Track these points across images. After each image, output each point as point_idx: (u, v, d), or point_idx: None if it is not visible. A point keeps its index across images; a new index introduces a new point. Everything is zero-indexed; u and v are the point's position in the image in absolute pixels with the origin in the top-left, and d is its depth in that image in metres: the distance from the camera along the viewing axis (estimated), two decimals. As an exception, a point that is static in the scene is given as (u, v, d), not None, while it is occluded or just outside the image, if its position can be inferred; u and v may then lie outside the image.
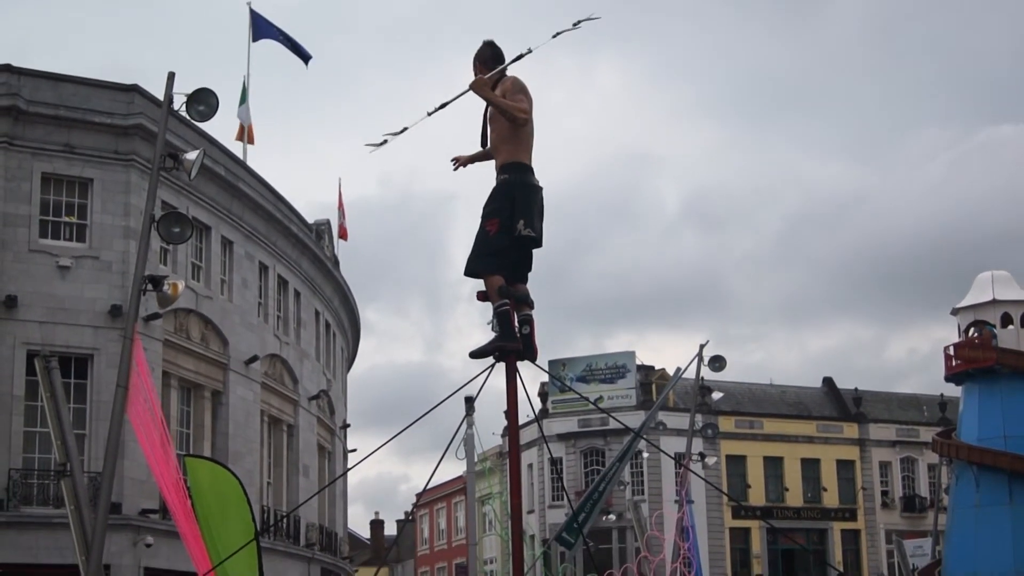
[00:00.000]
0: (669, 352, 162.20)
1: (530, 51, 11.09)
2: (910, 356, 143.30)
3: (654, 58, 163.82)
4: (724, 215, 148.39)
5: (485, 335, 10.81)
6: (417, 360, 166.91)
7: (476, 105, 11.31)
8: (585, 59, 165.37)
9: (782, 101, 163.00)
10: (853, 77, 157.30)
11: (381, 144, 11.56)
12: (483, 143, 11.35)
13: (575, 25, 11.20)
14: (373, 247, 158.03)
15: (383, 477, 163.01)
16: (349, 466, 53.00)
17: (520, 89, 10.92)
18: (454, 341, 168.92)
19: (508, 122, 10.85)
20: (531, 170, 10.98)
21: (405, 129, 11.44)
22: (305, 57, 48.01)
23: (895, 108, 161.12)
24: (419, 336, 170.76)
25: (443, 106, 11.23)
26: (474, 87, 10.91)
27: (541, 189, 11.04)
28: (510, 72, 11.15)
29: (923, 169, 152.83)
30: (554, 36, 11.20)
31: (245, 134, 45.39)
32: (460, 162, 11.78)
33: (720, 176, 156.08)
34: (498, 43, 11.41)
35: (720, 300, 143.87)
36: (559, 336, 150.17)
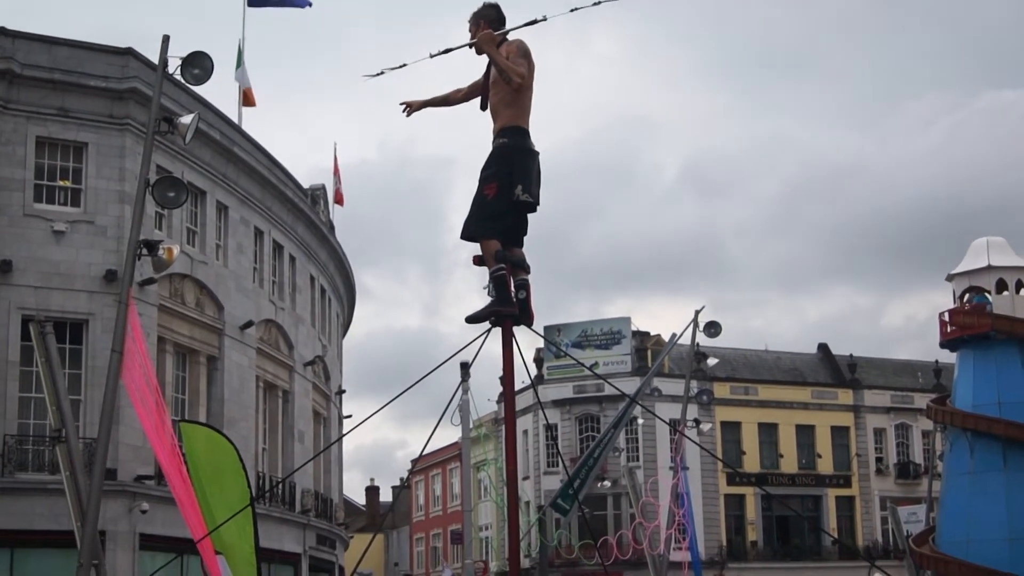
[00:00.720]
0: (667, 318, 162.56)
1: (544, 18, 11.00)
2: (907, 323, 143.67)
3: (650, 23, 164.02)
4: (722, 181, 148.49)
5: (483, 301, 10.76)
6: (415, 326, 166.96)
7: (475, 67, 11.25)
8: (580, 25, 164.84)
9: (781, 67, 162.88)
10: (853, 43, 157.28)
11: (378, 74, 11.51)
12: (483, 105, 11.25)
13: (595, 2, 11.12)
14: (372, 212, 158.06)
15: (379, 443, 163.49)
16: (344, 432, 53.02)
17: (524, 53, 10.84)
18: (452, 307, 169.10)
19: (506, 84, 10.78)
20: (529, 135, 10.93)
21: (404, 65, 11.38)
22: (302, 3, 47.41)
23: (895, 73, 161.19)
24: (417, 301, 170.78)
25: (447, 51, 11.15)
26: (481, 41, 10.80)
27: (538, 154, 10.99)
28: (515, 36, 11.06)
29: (922, 134, 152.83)
30: (572, 10, 11.14)
31: (240, 97, 45.18)
32: (412, 107, 11.66)
33: (718, 142, 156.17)
34: (500, 6, 11.33)
35: (718, 266, 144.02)
36: (557, 302, 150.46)
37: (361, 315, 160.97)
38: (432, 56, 11.16)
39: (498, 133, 10.89)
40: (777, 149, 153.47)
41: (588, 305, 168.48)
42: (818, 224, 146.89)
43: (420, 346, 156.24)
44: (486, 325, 10.72)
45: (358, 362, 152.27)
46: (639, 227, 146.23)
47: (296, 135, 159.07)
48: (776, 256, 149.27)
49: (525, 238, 11.04)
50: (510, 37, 11.03)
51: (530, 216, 10.98)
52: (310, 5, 47.59)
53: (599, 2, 11.06)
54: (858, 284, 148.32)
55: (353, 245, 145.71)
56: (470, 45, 10.95)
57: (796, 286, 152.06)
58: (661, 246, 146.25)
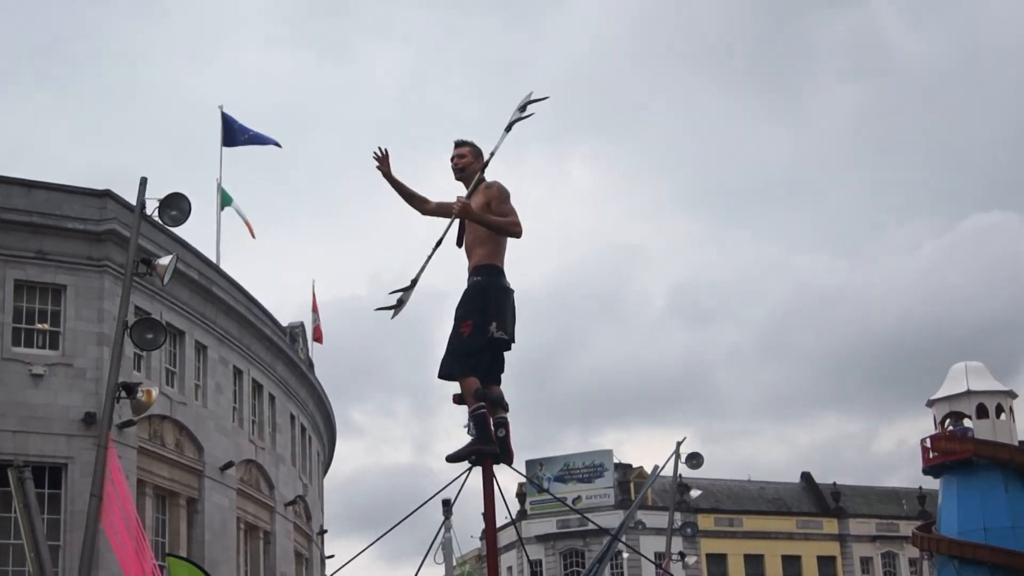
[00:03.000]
0: (656, 448, 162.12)
1: (492, 154, 11.15)
2: (899, 448, 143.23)
3: (635, 153, 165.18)
4: (709, 309, 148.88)
5: (466, 438, 10.77)
6: (405, 462, 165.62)
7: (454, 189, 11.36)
8: (559, 155, 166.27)
9: (765, 193, 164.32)
10: (839, 169, 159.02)
11: (394, 306, 11.53)
12: (459, 243, 11.31)
13: (521, 110, 11.25)
14: (361, 347, 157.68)
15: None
16: (326, 574, 52.44)
17: (506, 198, 10.99)
18: (443, 442, 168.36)
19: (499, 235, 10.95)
20: (503, 273, 11.02)
21: (414, 283, 11.47)
22: (276, 143, 47.91)
23: (881, 199, 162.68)
24: (407, 437, 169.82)
25: (439, 242, 11.29)
26: (463, 211, 10.92)
27: (512, 292, 11.07)
28: (491, 177, 11.19)
29: (909, 258, 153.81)
30: (507, 130, 11.24)
31: (217, 239, 45.43)
32: (384, 167, 11.68)
33: (705, 270, 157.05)
34: (469, 138, 11.44)
35: (707, 395, 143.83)
36: (546, 434, 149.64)
37: (351, 451, 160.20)
38: (432, 252, 11.30)
39: (472, 271, 10.98)
40: (764, 275, 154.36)
41: (578, 437, 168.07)
42: (807, 351, 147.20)
43: (410, 483, 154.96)
44: (467, 464, 10.73)
45: (348, 499, 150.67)
46: (627, 356, 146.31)
47: (282, 272, 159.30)
48: (765, 384, 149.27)
49: (507, 373, 11.09)
50: (490, 177, 11.16)
51: (517, 348, 11.04)
52: (279, 146, 48.14)
53: (526, 108, 11.23)
54: (848, 410, 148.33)
55: (342, 381, 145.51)
56: (453, 218, 11.09)
57: (786, 414, 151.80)
58: (650, 375, 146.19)
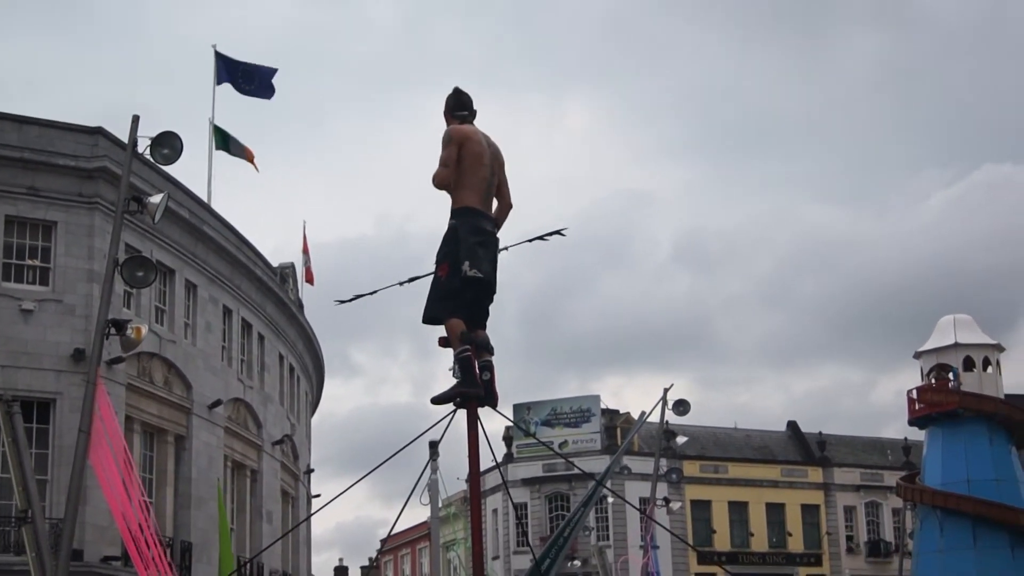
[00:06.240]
0: (656, 394, 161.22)
1: (506, 248, 11.51)
2: (897, 399, 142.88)
3: (644, 94, 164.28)
4: (715, 256, 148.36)
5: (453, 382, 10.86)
6: (404, 402, 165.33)
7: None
8: (559, 98, 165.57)
9: (775, 141, 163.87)
10: (853, 117, 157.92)
11: (352, 299, 11.86)
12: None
13: (542, 238, 11.97)
14: (367, 287, 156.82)
15: (362, 521, 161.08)
16: (311, 512, 52.72)
17: (444, 143, 11.09)
18: (444, 384, 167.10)
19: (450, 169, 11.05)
20: (480, 214, 11.04)
21: (375, 292, 11.85)
22: (268, 93, 47.98)
23: (894, 148, 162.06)
24: (408, 379, 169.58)
25: (414, 279, 11.80)
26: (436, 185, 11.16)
27: (491, 233, 11.09)
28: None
29: (918, 209, 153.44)
30: (529, 240, 11.71)
31: (209, 178, 45.36)
32: None
33: (712, 217, 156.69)
34: (465, 87, 11.53)
35: (708, 342, 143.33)
36: (546, 377, 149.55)
37: (349, 391, 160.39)
38: (401, 284, 11.70)
39: (450, 215, 11.07)
40: (772, 223, 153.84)
41: (577, 381, 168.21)
42: (811, 299, 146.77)
43: (409, 423, 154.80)
44: (451, 406, 10.82)
45: (345, 438, 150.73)
46: (630, 302, 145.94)
47: (279, 213, 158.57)
48: (767, 332, 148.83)
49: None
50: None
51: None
52: (274, 93, 48.11)
53: (546, 238, 11.72)
54: (849, 360, 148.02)
55: (344, 319, 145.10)
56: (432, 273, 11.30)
57: (786, 362, 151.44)
58: (652, 322, 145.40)
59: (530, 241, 11.95)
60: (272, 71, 48.17)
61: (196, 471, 38.30)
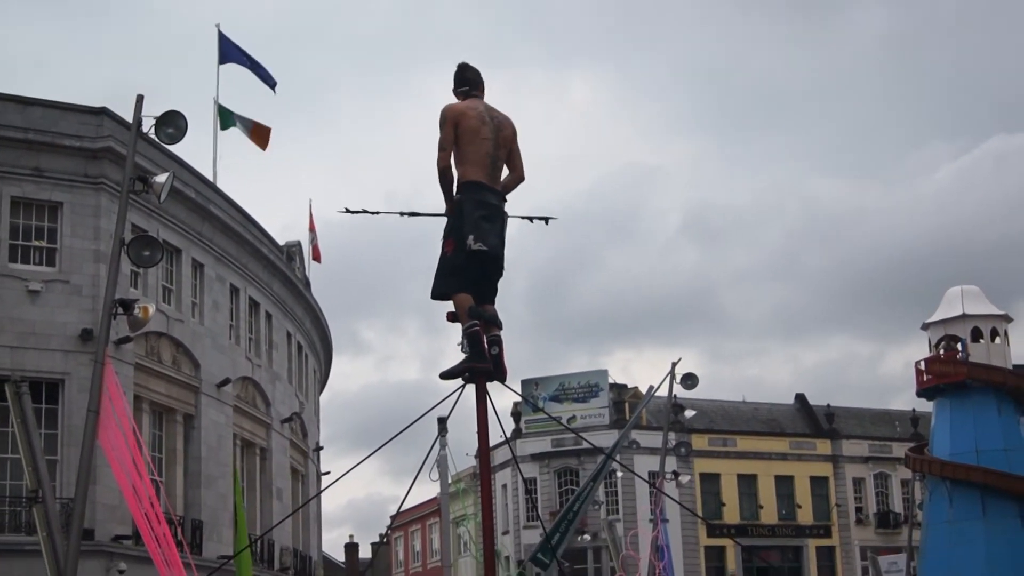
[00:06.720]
0: (665, 368, 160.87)
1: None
2: (906, 370, 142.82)
3: (651, 67, 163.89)
4: (723, 229, 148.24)
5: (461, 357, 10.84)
6: (413, 379, 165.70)
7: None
8: (563, 74, 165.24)
9: (785, 113, 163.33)
10: (860, 90, 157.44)
11: (357, 212, 11.76)
12: None
13: (529, 219, 11.94)
14: (375, 263, 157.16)
15: (373, 498, 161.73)
16: (321, 489, 52.83)
17: (440, 125, 11.06)
18: (452, 361, 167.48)
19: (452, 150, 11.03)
20: (485, 188, 10.98)
21: (378, 213, 11.73)
22: (271, 83, 48.04)
23: (901, 121, 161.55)
24: (416, 355, 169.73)
25: (415, 214, 11.76)
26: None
27: (497, 207, 11.03)
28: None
29: (926, 181, 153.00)
30: (518, 217, 11.63)
31: (214, 156, 45.34)
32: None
33: (720, 191, 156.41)
34: (471, 63, 11.50)
35: (717, 315, 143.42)
36: (555, 352, 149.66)
37: (358, 368, 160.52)
38: (402, 215, 11.74)
39: (455, 191, 11.04)
40: (779, 197, 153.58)
41: (586, 356, 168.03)
42: (819, 272, 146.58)
43: (417, 400, 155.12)
44: (460, 381, 10.80)
45: (356, 415, 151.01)
46: (639, 276, 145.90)
47: (284, 191, 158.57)
48: (775, 305, 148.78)
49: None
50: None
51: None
52: (276, 84, 48.05)
53: (534, 220, 11.62)
54: (857, 332, 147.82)
55: (353, 297, 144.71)
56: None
57: (794, 335, 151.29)
58: (660, 295, 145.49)
59: (520, 217, 11.92)
60: (273, 82, 48.16)
61: (205, 450, 38.38)
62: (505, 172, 11.27)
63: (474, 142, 10.93)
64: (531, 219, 12.04)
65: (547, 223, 11.86)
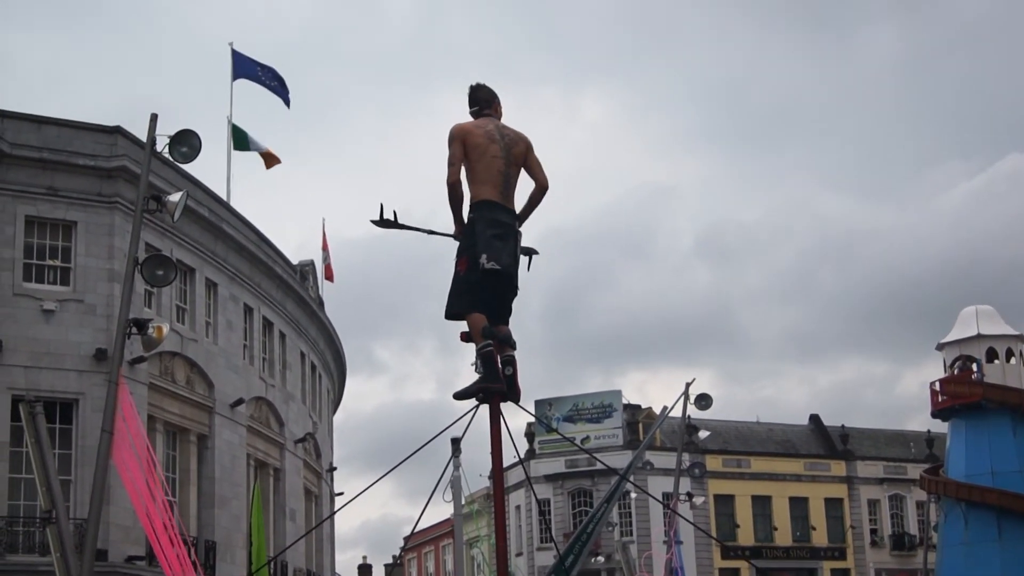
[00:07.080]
0: (680, 388, 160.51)
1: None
2: (922, 391, 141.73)
3: (663, 85, 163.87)
4: (737, 248, 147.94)
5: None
6: (428, 399, 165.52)
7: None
8: (575, 92, 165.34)
9: (797, 132, 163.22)
10: (874, 107, 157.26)
11: (389, 221, 11.61)
12: None
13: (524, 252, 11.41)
14: (390, 283, 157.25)
15: (388, 519, 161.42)
16: (335, 509, 52.79)
17: (448, 143, 10.97)
18: (467, 381, 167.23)
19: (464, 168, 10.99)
20: (499, 206, 10.88)
21: (408, 228, 11.60)
22: (285, 97, 48.15)
23: (916, 139, 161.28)
24: (432, 375, 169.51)
25: (435, 232, 11.59)
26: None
27: (511, 226, 10.95)
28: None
29: (941, 199, 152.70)
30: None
31: (228, 176, 45.40)
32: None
33: (734, 209, 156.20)
34: (485, 84, 11.45)
35: (731, 335, 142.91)
36: (569, 373, 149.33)
37: (373, 388, 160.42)
38: (424, 232, 11.62)
39: (469, 210, 10.99)
40: (793, 215, 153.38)
41: (600, 376, 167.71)
42: (834, 292, 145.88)
43: (432, 420, 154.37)
44: (474, 401, 10.72)
45: (370, 436, 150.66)
46: (652, 296, 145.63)
47: (297, 211, 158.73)
48: (790, 325, 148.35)
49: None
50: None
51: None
52: (289, 101, 48.24)
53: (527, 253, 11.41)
54: (873, 353, 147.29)
55: (368, 317, 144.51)
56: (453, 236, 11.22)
57: (809, 355, 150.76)
58: (674, 315, 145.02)
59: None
60: (287, 99, 48.37)
61: (219, 470, 38.33)
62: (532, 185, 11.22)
63: (483, 160, 10.85)
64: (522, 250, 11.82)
65: (531, 259, 11.60)
